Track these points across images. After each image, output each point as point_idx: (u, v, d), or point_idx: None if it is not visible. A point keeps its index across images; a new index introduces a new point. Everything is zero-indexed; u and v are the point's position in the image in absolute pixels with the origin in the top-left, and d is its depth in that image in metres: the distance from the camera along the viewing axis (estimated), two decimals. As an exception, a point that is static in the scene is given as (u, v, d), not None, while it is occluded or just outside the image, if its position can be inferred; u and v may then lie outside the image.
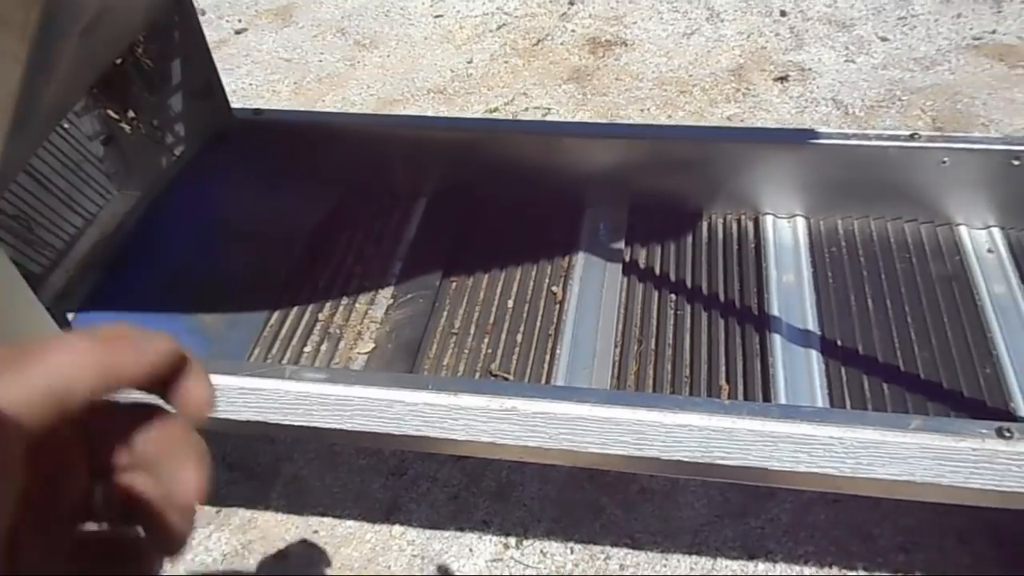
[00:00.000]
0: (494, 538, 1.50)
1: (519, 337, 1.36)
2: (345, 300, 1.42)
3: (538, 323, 1.37)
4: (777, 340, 1.29)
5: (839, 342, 1.28)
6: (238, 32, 3.03)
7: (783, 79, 2.51)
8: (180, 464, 0.30)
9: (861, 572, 1.40)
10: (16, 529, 0.27)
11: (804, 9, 2.80)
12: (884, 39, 2.63)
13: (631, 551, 1.46)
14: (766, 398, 1.21)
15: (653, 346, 1.32)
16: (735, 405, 1.00)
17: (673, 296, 1.41)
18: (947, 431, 0.94)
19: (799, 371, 1.24)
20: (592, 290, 1.40)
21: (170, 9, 1.34)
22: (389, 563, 1.48)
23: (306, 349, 1.34)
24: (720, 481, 1.47)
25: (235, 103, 1.57)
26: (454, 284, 1.47)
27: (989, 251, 1.40)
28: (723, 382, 1.25)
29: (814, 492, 1.46)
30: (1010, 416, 1.16)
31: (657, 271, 1.45)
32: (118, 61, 1.32)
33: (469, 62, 2.76)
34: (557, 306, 1.40)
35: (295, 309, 1.39)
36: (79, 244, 1.40)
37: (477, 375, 1.30)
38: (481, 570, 1.46)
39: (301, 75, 2.78)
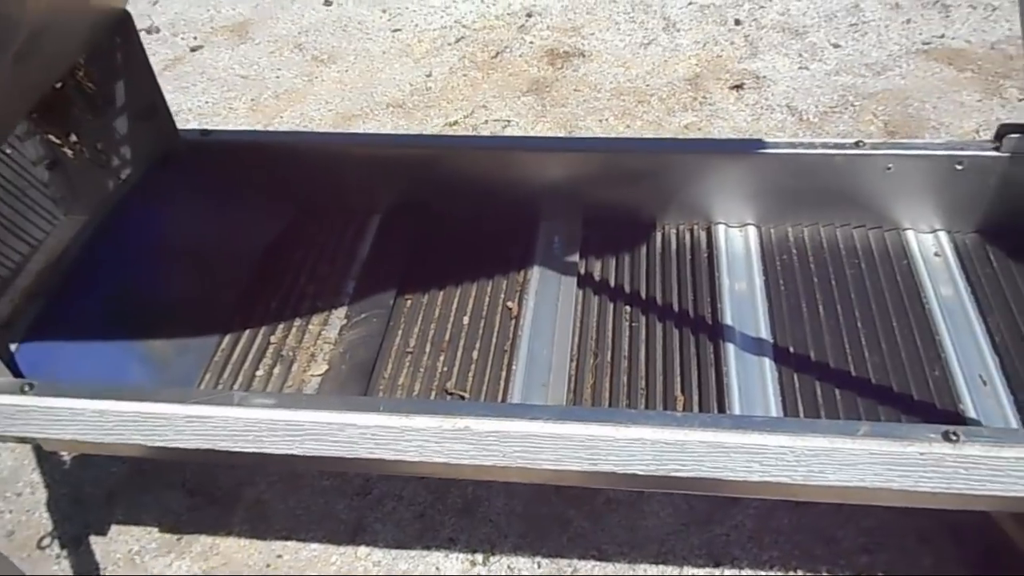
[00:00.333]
0: (461, 555, 1.49)
1: (475, 354, 1.35)
2: (298, 321, 1.41)
3: (494, 339, 1.37)
4: (731, 349, 1.29)
5: (791, 349, 1.29)
6: (194, 49, 3.00)
7: (739, 87, 2.54)
8: None
9: (824, 575, 1.41)
10: None
11: (758, 18, 2.84)
12: (836, 45, 2.68)
13: (598, 563, 1.46)
14: (721, 408, 1.21)
15: (609, 359, 1.32)
16: (687, 417, 1.00)
17: (628, 308, 1.41)
18: (894, 436, 0.95)
19: (753, 380, 1.25)
20: (547, 304, 1.40)
21: (111, 31, 1.32)
22: (354, 586, 1.47)
23: (258, 373, 1.32)
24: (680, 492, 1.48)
25: (191, 122, 1.55)
26: (409, 302, 1.46)
27: (936, 254, 1.43)
28: (679, 393, 1.26)
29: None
30: (959, 418, 1.17)
31: (612, 283, 1.46)
32: (58, 85, 1.29)
33: (428, 76, 2.76)
34: (513, 321, 1.40)
35: (247, 332, 1.37)
36: (25, 272, 1.37)
37: (433, 394, 1.29)
38: (447, 589, 1.45)
39: (258, 92, 2.76)
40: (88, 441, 1.10)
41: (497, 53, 2.82)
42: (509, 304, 1.44)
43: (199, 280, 1.44)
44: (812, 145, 1.39)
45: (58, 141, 1.34)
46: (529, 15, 2.99)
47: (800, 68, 2.60)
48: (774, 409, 1.21)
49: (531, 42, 2.86)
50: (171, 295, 1.41)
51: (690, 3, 2.96)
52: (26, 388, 1.09)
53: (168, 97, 1.52)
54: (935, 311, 1.33)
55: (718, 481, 1.01)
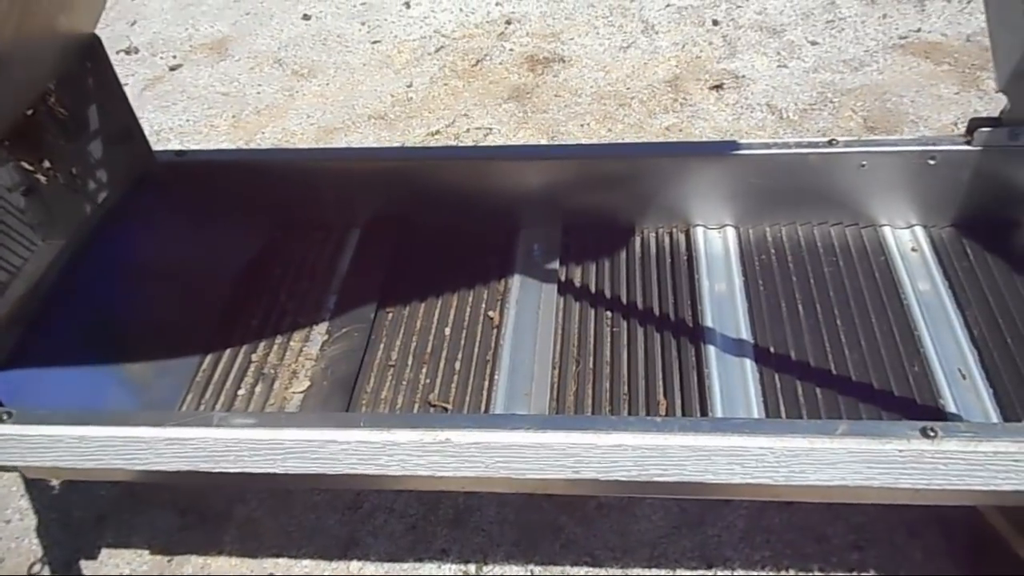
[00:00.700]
0: (454, 566, 1.49)
1: (457, 365, 1.35)
2: (279, 339, 1.41)
3: (476, 350, 1.37)
4: (712, 352, 1.30)
5: (772, 349, 1.29)
6: (173, 68, 3.00)
7: (718, 87, 2.55)
8: None
9: (816, 573, 1.41)
10: None
11: (736, 17, 2.86)
12: (814, 43, 2.69)
13: (591, 568, 1.46)
14: (703, 411, 1.22)
15: (591, 365, 1.33)
16: (667, 422, 1.00)
17: (609, 313, 1.41)
18: (873, 434, 0.95)
19: (734, 382, 1.25)
20: (528, 312, 1.40)
21: (81, 56, 1.32)
22: (345, 602, 1.46)
23: (240, 392, 1.32)
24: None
25: (172, 141, 1.55)
26: (390, 315, 1.46)
27: (913, 250, 1.43)
28: (661, 397, 1.26)
29: (764, 497, 1.47)
30: (939, 413, 1.18)
31: (592, 289, 1.46)
32: (29, 111, 1.29)
33: (409, 86, 2.76)
34: (494, 331, 1.40)
35: (228, 351, 1.37)
36: (3, 299, 1.36)
37: (416, 407, 1.29)
38: (439, 602, 1.44)
39: (239, 108, 2.76)
40: (69, 467, 1.10)
41: (477, 61, 2.83)
42: (490, 314, 1.44)
43: (179, 301, 1.44)
44: (787, 145, 1.40)
45: (31, 168, 1.34)
46: (508, 22, 3.00)
47: (779, 66, 2.61)
48: (756, 410, 1.21)
49: (511, 49, 2.86)
50: (151, 317, 1.40)
51: (668, 5, 2.97)
52: (4, 417, 1.09)
53: (149, 117, 1.53)
54: (913, 306, 1.33)
55: (701, 484, 1.01)
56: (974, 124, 1.34)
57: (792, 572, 1.42)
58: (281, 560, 1.53)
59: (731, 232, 1.51)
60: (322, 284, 1.51)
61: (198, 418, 1.06)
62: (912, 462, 0.95)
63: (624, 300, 1.43)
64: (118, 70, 1.45)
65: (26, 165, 1.32)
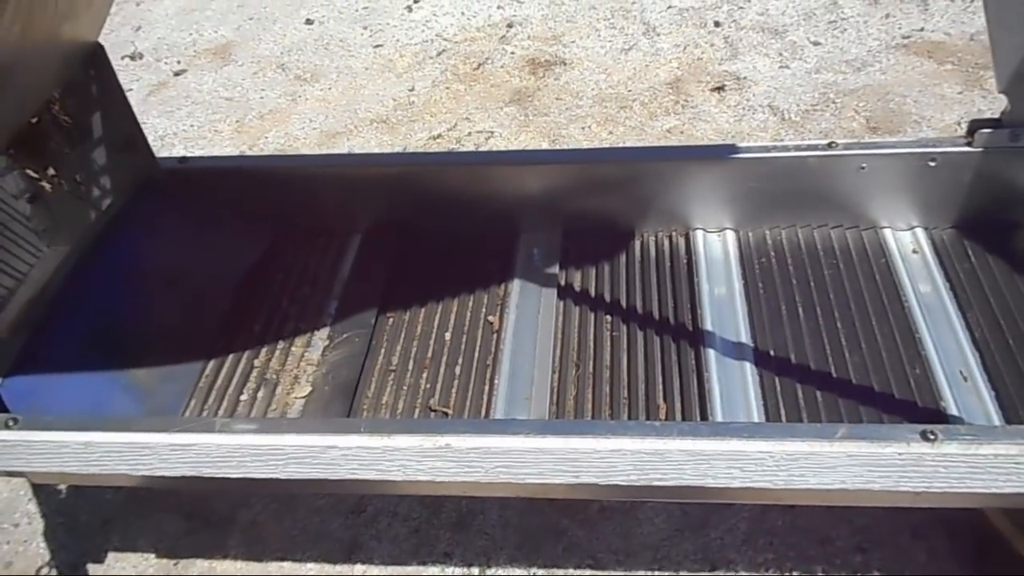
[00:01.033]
0: (457, 570, 1.49)
1: (457, 370, 1.36)
2: (281, 344, 1.41)
3: (476, 354, 1.37)
4: (712, 355, 1.30)
5: (772, 353, 1.29)
6: (177, 74, 3.02)
7: (720, 89, 2.55)
8: None
9: (820, 575, 1.41)
10: None
11: (737, 19, 2.86)
12: (816, 43, 2.69)
13: (594, 571, 1.46)
14: (703, 415, 1.22)
15: (591, 369, 1.33)
16: (666, 426, 1.01)
17: (609, 317, 1.41)
18: (872, 438, 0.95)
19: (735, 385, 1.25)
20: (528, 317, 1.41)
21: (85, 64, 1.33)
22: (349, 605, 1.47)
23: (243, 397, 1.33)
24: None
25: (177, 146, 1.56)
26: (390, 320, 1.47)
27: (914, 251, 1.43)
28: (661, 401, 1.26)
29: (766, 500, 1.47)
30: (940, 415, 1.17)
31: (592, 293, 1.46)
32: (34, 119, 1.30)
33: (411, 90, 2.77)
34: (494, 335, 1.40)
35: (230, 357, 1.38)
36: (10, 306, 1.38)
37: (416, 412, 1.29)
38: (442, 605, 1.45)
39: (243, 113, 2.77)
40: (74, 473, 1.11)
41: (479, 65, 2.83)
42: (490, 318, 1.44)
43: (182, 307, 1.45)
44: (786, 148, 1.40)
45: (36, 175, 1.35)
46: (510, 26, 3.00)
47: (781, 67, 2.61)
48: (756, 414, 1.21)
49: (512, 52, 2.87)
50: (154, 323, 1.41)
51: (669, 7, 2.97)
52: (10, 423, 1.10)
53: (153, 122, 1.54)
54: (914, 309, 1.33)
55: (700, 488, 1.01)
56: (975, 126, 1.34)
57: (795, 574, 1.42)
58: (285, 563, 1.54)
59: (731, 235, 1.51)
60: (323, 290, 1.51)
61: (201, 424, 1.07)
62: (912, 465, 0.95)
63: (624, 304, 1.43)
64: (122, 76, 1.47)
65: (31, 172, 1.33)
